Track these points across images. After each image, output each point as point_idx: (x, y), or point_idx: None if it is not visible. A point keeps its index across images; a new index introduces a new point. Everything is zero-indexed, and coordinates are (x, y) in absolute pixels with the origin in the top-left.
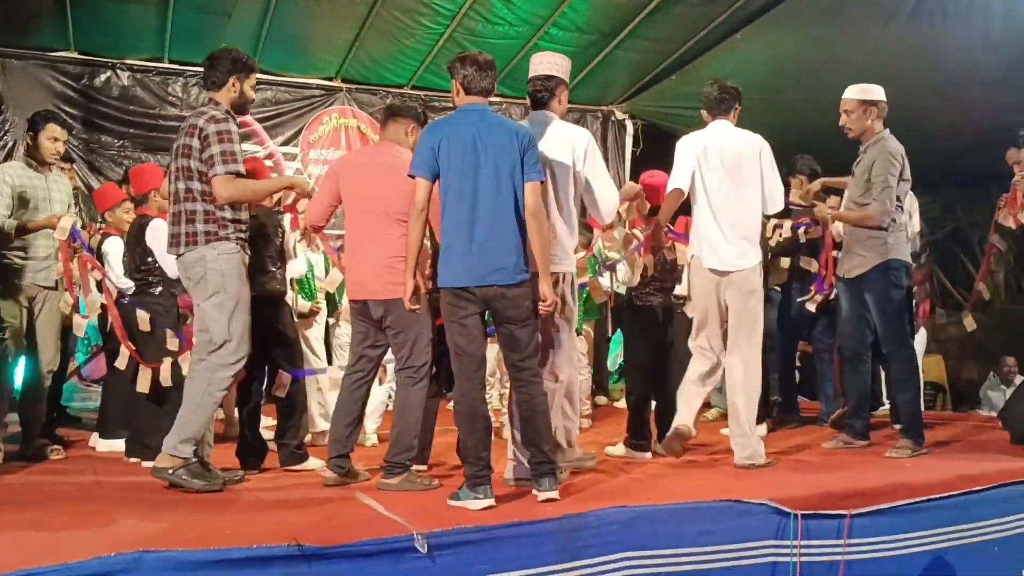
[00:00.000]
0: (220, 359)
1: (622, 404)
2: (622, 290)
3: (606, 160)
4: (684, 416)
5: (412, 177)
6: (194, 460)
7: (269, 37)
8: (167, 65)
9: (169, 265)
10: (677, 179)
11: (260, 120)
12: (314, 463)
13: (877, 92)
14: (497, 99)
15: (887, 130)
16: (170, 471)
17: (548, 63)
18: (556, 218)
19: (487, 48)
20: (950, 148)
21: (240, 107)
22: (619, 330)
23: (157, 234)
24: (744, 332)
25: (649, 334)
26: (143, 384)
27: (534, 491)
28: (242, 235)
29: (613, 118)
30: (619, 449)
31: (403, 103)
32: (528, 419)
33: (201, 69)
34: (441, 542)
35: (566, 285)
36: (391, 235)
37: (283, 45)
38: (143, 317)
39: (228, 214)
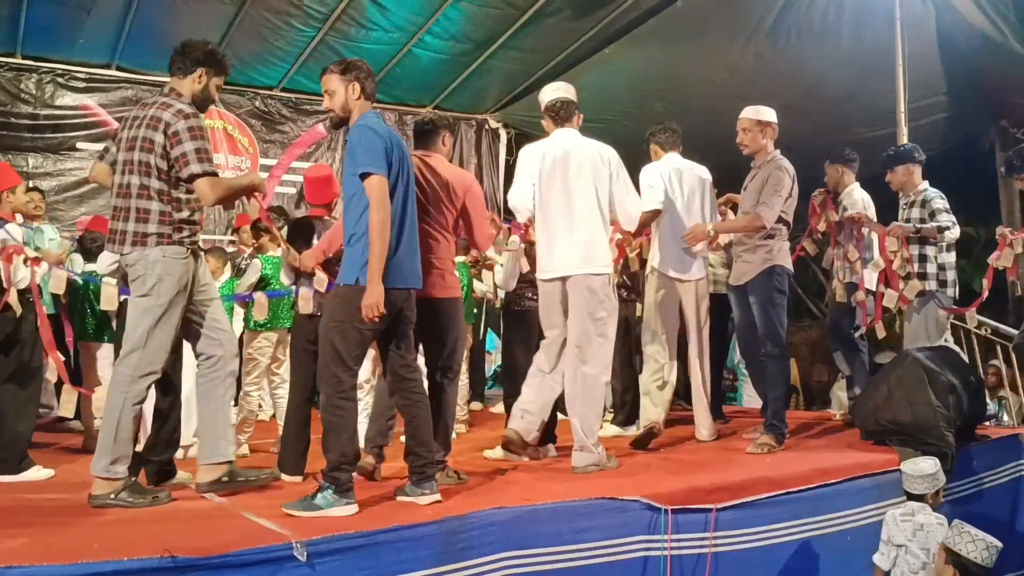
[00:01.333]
0: (130, 369)
1: (497, 409)
2: (501, 294)
3: (480, 168)
4: (652, 414)
5: (366, 176)
6: (132, 479)
7: (131, 34)
8: (20, 60)
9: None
10: (656, 200)
11: (120, 121)
12: (183, 477)
13: (770, 114)
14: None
15: (778, 151)
16: (112, 496)
17: (564, 88)
18: (600, 225)
19: (360, 53)
20: (798, 160)
21: (202, 103)
22: (491, 333)
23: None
24: (703, 333)
25: (527, 338)
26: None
27: (411, 496)
28: (195, 238)
29: (487, 126)
30: (497, 452)
31: (436, 116)
32: (415, 423)
33: (57, 66)
34: (321, 549)
35: (609, 287)
36: (437, 240)
37: (146, 42)
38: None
39: (184, 215)
